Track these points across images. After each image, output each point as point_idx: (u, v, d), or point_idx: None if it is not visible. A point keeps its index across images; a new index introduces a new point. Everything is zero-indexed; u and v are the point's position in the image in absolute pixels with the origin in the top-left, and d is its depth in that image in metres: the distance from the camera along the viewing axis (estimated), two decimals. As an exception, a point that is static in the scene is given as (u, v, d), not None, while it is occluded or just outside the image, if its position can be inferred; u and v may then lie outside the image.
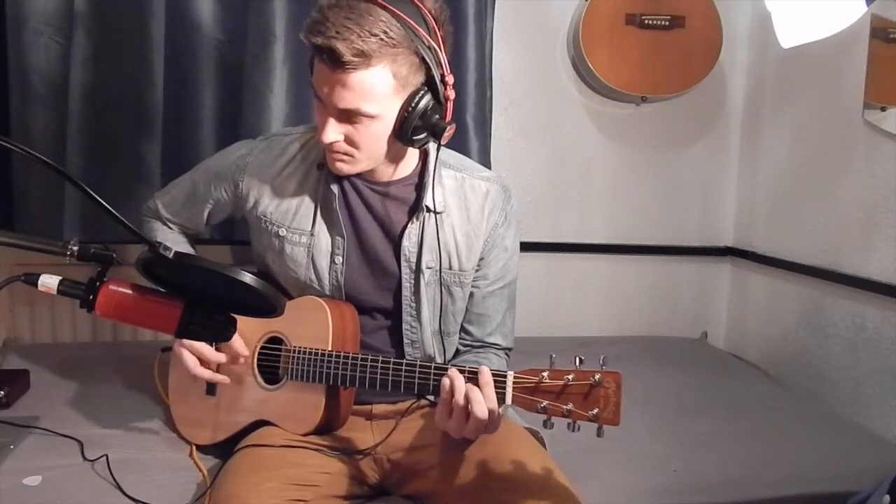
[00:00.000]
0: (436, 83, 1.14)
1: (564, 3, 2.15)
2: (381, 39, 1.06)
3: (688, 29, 2.09)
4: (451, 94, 1.17)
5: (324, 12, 1.06)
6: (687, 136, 2.31)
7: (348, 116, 1.12)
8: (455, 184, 1.29)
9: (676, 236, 2.35)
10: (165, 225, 1.44)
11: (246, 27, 1.83)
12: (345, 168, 1.19)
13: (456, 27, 1.78)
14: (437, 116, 1.16)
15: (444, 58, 1.14)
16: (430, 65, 1.12)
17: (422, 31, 1.10)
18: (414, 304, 1.27)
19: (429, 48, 1.11)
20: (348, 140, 1.15)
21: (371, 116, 1.12)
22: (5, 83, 1.74)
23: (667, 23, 2.09)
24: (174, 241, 1.41)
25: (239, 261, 1.93)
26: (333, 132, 1.13)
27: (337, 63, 1.06)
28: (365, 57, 1.06)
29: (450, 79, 1.15)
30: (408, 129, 1.14)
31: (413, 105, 1.13)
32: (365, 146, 1.16)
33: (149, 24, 1.74)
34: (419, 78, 1.13)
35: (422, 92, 1.14)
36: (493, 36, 2.03)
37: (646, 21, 2.08)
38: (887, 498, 0.90)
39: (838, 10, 1.42)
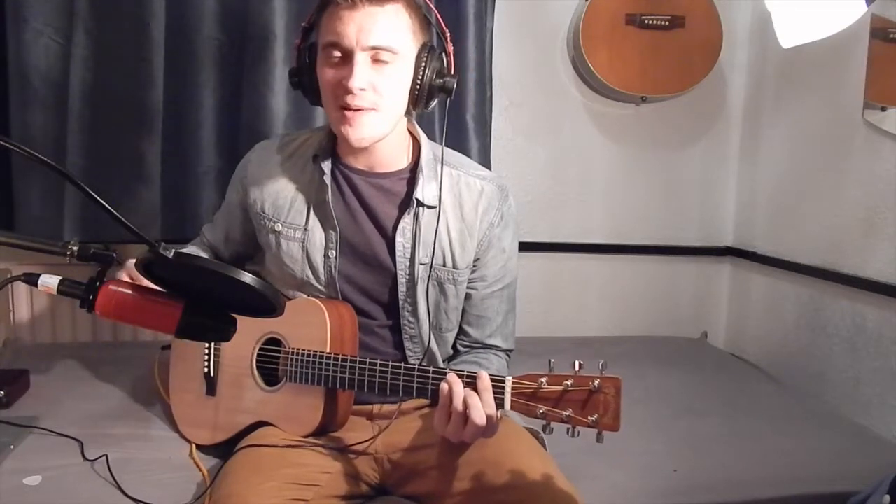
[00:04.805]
0: (439, 38, 1.21)
1: (564, 3, 2.15)
2: None
3: (688, 29, 2.09)
4: (451, 47, 1.22)
5: None
6: (687, 136, 2.31)
7: (373, 59, 1.14)
8: (450, 180, 1.28)
9: (676, 236, 2.35)
10: (201, 239, 1.48)
11: (246, 27, 1.83)
12: (366, 130, 1.17)
13: (456, 27, 1.79)
14: (444, 69, 1.22)
15: (436, 13, 1.21)
16: (431, 20, 1.19)
17: None
18: (410, 300, 1.27)
19: (423, 5, 1.19)
20: (373, 89, 1.15)
21: (397, 52, 1.14)
22: (5, 83, 1.74)
23: (667, 23, 2.09)
24: (196, 249, 1.44)
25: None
26: (363, 75, 1.13)
27: None
28: None
29: (447, 32, 1.22)
30: (425, 88, 1.19)
31: (425, 60, 1.18)
32: (388, 94, 1.16)
33: (149, 24, 1.74)
34: (426, 34, 1.20)
35: (429, 47, 1.20)
36: (493, 36, 2.03)
37: (646, 21, 2.08)
38: (887, 498, 0.90)
39: (838, 10, 1.42)
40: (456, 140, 1.93)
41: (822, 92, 1.99)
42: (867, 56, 1.78)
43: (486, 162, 2.00)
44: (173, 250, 0.75)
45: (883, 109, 1.79)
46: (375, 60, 1.14)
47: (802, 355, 2.01)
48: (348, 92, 1.13)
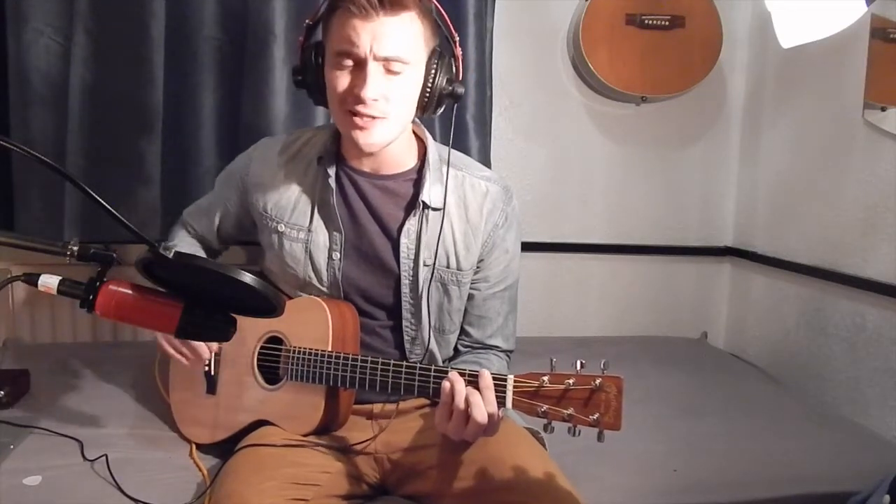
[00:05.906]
0: (447, 44, 1.20)
1: (564, 3, 2.15)
2: None
3: (688, 29, 2.09)
4: (459, 51, 1.21)
5: None
6: (687, 136, 2.31)
7: (386, 69, 1.13)
8: (455, 182, 1.28)
9: (676, 236, 2.35)
10: (185, 229, 1.45)
11: (246, 27, 1.83)
12: (376, 136, 1.17)
13: (456, 27, 1.79)
14: (452, 76, 1.21)
15: (446, 17, 1.20)
16: (441, 25, 1.18)
17: None
18: (413, 302, 1.27)
19: (433, 9, 1.18)
20: (385, 98, 1.15)
21: (409, 62, 1.14)
22: (5, 83, 1.74)
23: (667, 23, 2.09)
24: (189, 245, 1.42)
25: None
26: (376, 86, 1.12)
27: (384, 4, 1.09)
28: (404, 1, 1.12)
29: (456, 37, 1.21)
30: (435, 95, 1.18)
31: (435, 67, 1.18)
32: (399, 103, 1.16)
33: (149, 24, 1.74)
34: (435, 40, 1.19)
35: (438, 53, 1.19)
36: (493, 36, 2.03)
37: (646, 21, 2.08)
38: (887, 498, 0.91)
39: (838, 10, 1.42)
40: (456, 140, 1.91)
41: (822, 92, 1.99)
42: (867, 56, 1.78)
43: (486, 162, 2.00)
44: (173, 250, 0.75)
45: (883, 109, 1.79)
46: (388, 70, 1.13)
47: (802, 355, 2.01)
48: (359, 101, 1.13)
